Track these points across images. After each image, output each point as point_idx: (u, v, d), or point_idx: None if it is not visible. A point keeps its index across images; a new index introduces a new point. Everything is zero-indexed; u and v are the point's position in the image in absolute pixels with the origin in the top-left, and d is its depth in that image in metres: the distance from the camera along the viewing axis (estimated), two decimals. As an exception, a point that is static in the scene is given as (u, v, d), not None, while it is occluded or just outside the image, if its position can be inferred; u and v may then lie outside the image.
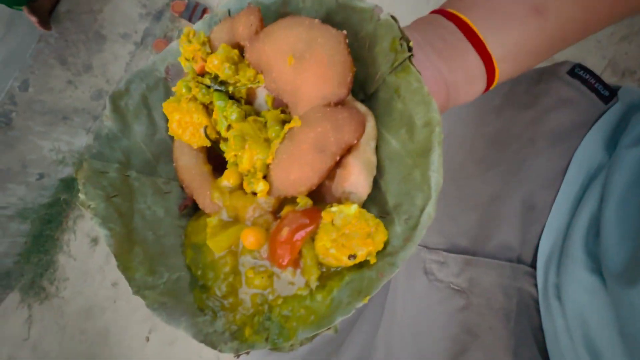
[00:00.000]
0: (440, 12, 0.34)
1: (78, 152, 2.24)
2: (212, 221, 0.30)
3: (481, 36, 0.31)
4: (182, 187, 0.34)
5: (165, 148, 0.35)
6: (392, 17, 0.26)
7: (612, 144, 0.43)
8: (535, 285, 0.43)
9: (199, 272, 0.30)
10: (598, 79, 0.46)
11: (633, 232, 0.35)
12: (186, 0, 2.02)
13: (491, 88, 0.35)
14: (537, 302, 0.43)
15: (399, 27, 0.26)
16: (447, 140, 0.51)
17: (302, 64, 0.26)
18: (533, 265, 0.43)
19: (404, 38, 0.26)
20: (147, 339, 1.72)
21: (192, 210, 0.34)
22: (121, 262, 0.28)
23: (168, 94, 0.35)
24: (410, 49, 0.26)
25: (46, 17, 1.93)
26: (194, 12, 2.02)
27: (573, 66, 0.47)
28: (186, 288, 0.30)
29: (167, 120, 0.34)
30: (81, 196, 0.29)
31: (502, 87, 0.51)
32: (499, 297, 0.43)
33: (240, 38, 0.30)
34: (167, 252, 0.31)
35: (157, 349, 1.70)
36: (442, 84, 0.31)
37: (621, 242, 0.36)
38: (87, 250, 2.06)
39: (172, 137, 0.34)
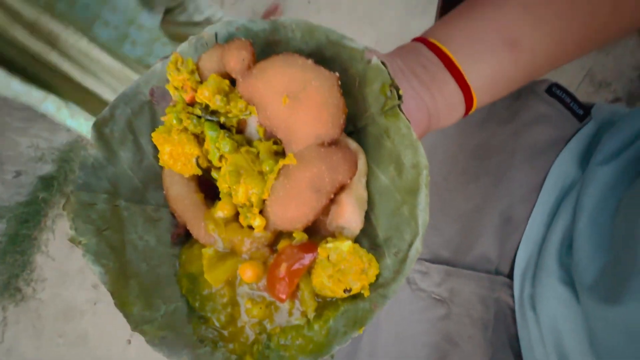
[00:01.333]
0: (422, 40, 0.35)
1: (57, 149, 2.16)
2: (207, 252, 0.30)
3: (460, 67, 0.33)
4: (172, 214, 0.34)
5: (154, 174, 0.34)
6: (383, 62, 0.27)
7: (585, 160, 0.46)
8: (513, 295, 0.45)
9: (197, 304, 0.31)
10: (573, 98, 0.48)
11: (604, 246, 0.38)
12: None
13: (470, 113, 0.36)
14: (514, 312, 0.45)
15: (389, 73, 0.27)
16: (432, 153, 0.53)
17: (297, 104, 0.27)
18: (510, 276, 0.46)
19: (394, 85, 0.27)
20: (129, 341, 1.70)
21: (183, 237, 0.34)
22: (118, 299, 0.28)
23: (154, 117, 0.34)
24: (399, 97, 0.27)
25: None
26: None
27: (550, 85, 0.49)
28: (184, 319, 0.30)
29: (154, 146, 0.33)
30: (71, 232, 0.28)
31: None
32: (478, 307, 0.45)
33: (231, 71, 0.29)
34: (162, 282, 0.31)
35: (139, 352, 1.68)
36: (425, 111, 0.33)
37: (593, 256, 0.38)
38: (67, 251, 1.99)
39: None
